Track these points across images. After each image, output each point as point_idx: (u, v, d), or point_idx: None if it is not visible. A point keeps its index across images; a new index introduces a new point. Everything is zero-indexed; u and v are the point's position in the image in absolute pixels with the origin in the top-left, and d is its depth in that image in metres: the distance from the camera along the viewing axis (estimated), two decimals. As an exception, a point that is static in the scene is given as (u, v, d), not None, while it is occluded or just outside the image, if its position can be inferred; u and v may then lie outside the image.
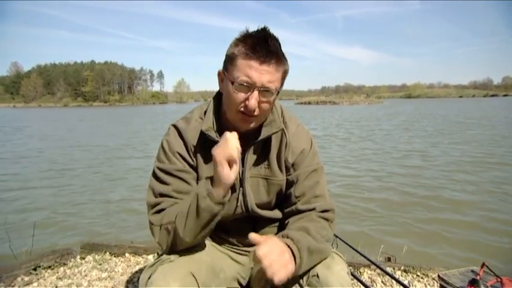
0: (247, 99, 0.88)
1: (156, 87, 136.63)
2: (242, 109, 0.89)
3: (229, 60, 0.90)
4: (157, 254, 2.06)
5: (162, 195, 0.95)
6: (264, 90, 0.88)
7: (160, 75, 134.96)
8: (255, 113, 0.90)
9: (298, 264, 0.83)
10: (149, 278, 0.88)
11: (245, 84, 0.86)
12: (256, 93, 0.87)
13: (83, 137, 15.41)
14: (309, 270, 0.90)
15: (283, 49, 0.92)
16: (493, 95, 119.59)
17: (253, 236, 0.82)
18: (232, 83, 0.88)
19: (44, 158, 9.87)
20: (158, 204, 0.94)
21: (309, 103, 74.30)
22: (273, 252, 0.79)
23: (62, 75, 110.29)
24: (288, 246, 0.84)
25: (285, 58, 0.92)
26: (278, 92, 0.93)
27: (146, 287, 0.86)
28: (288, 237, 0.87)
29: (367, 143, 11.87)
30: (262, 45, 0.86)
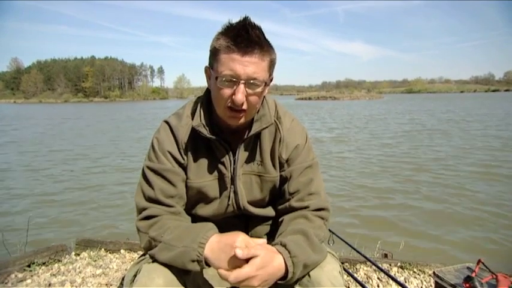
0: (233, 93, 0.84)
1: (156, 82, 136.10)
2: (229, 104, 0.86)
3: (213, 55, 0.87)
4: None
5: (150, 199, 0.93)
6: (250, 83, 0.84)
7: (161, 70, 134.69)
8: (244, 107, 0.86)
9: (290, 277, 0.81)
10: (134, 276, 0.87)
11: (230, 78, 0.83)
12: (241, 86, 0.84)
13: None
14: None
15: (276, 40, 0.88)
16: (494, 90, 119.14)
17: (240, 253, 0.77)
18: (217, 78, 0.85)
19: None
20: (146, 209, 0.93)
21: (310, 98, 74.18)
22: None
23: (62, 71, 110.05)
24: (284, 259, 0.81)
25: (270, 46, 0.87)
26: (266, 84, 0.89)
27: (131, 285, 0.85)
28: (285, 248, 0.82)
29: (368, 139, 11.83)
30: (243, 36, 0.81)
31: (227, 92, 0.85)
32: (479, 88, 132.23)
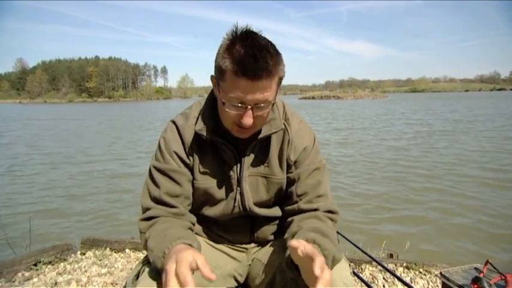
0: (241, 116, 0.84)
1: (160, 82, 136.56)
2: (237, 123, 0.86)
3: (219, 73, 0.84)
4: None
5: (154, 199, 0.93)
6: (258, 106, 0.83)
7: (164, 70, 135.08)
8: (251, 126, 0.86)
9: None
10: (137, 276, 0.87)
11: (237, 104, 0.82)
12: (249, 112, 0.83)
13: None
14: None
15: (278, 46, 0.84)
16: (500, 89, 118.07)
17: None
18: (224, 102, 0.84)
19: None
20: (148, 209, 0.93)
21: (313, 98, 74.03)
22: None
23: (67, 71, 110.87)
24: None
25: (278, 64, 0.83)
26: (274, 103, 0.88)
27: (133, 284, 0.85)
28: (314, 243, 0.81)
29: (374, 141, 11.79)
30: (250, 62, 0.77)
31: (234, 114, 0.84)
32: (484, 87, 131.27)
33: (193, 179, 0.97)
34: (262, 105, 0.83)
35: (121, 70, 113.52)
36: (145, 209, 0.94)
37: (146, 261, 0.92)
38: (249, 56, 0.78)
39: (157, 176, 0.94)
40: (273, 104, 0.88)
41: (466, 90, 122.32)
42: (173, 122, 0.99)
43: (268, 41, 0.84)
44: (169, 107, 43.10)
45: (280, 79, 0.87)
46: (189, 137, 0.96)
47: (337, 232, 1.59)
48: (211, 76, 0.91)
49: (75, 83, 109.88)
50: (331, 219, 0.97)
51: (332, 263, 0.82)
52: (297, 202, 0.99)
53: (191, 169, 0.97)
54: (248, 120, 0.83)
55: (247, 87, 0.79)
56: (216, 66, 0.86)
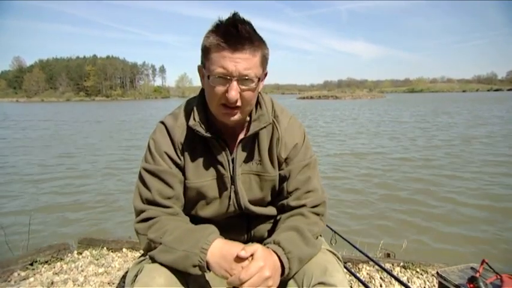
0: (226, 91, 0.83)
1: (158, 81, 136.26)
2: (223, 101, 0.85)
3: (204, 54, 0.86)
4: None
5: (147, 201, 0.93)
6: (243, 79, 0.83)
7: (162, 69, 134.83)
8: (238, 104, 0.85)
9: (287, 273, 0.84)
10: (136, 276, 0.87)
11: (222, 76, 0.82)
12: (234, 83, 0.82)
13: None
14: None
15: (264, 35, 0.87)
16: (496, 90, 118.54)
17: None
18: (209, 76, 0.84)
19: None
20: (144, 211, 0.92)
21: (311, 98, 74.08)
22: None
23: (64, 70, 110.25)
24: (278, 257, 0.84)
25: (261, 41, 0.86)
26: (260, 79, 0.88)
27: (132, 284, 0.85)
28: (279, 245, 0.85)
29: (370, 136, 11.80)
30: (232, 32, 0.80)
31: (220, 89, 0.84)
32: (481, 87, 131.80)
33: (185, 178, 0.97)
34: (246, 78, 0.83)
35: (119, 69, 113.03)
36: (140, 211, 0.93)
37: (144, 261, 0.92)
38: (232, 27, 0.81)
39: (148, 178, 0.93)
40: (259, 80, 0.88)
41: (464, 91, 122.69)
42: (162, 122, 0.98)
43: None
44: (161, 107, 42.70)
45: (264, 58, 0.88)
46: (179, 137, 0.95)
47: (334, 232, 1.60)
48: (198, 66, 0.91)
49: (73, 81, 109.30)
50: (317, 213, 0.98)
51: (300, 263, 0.86)
52: (286, 198, 1.00)
53: (182, 169, 0.96)
54: (234, 94, 0.82)
55: (231, 57, 0.81)
56: (201, 51, 0.87)
